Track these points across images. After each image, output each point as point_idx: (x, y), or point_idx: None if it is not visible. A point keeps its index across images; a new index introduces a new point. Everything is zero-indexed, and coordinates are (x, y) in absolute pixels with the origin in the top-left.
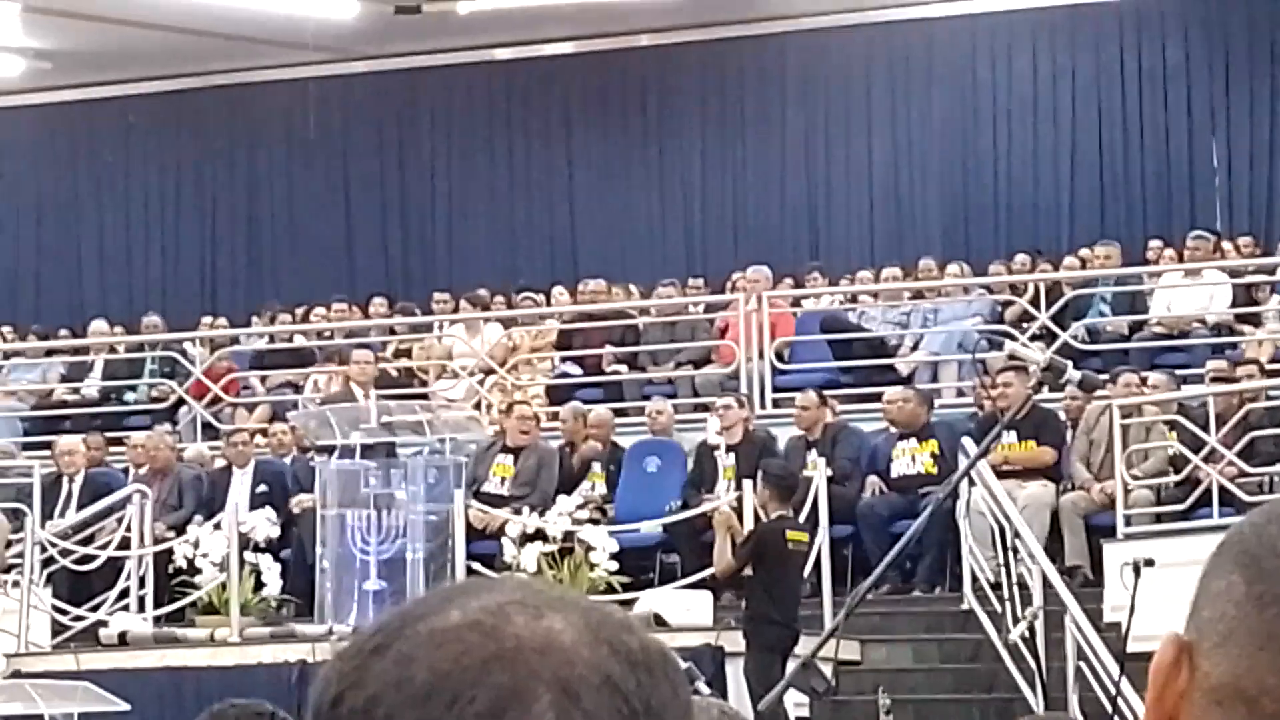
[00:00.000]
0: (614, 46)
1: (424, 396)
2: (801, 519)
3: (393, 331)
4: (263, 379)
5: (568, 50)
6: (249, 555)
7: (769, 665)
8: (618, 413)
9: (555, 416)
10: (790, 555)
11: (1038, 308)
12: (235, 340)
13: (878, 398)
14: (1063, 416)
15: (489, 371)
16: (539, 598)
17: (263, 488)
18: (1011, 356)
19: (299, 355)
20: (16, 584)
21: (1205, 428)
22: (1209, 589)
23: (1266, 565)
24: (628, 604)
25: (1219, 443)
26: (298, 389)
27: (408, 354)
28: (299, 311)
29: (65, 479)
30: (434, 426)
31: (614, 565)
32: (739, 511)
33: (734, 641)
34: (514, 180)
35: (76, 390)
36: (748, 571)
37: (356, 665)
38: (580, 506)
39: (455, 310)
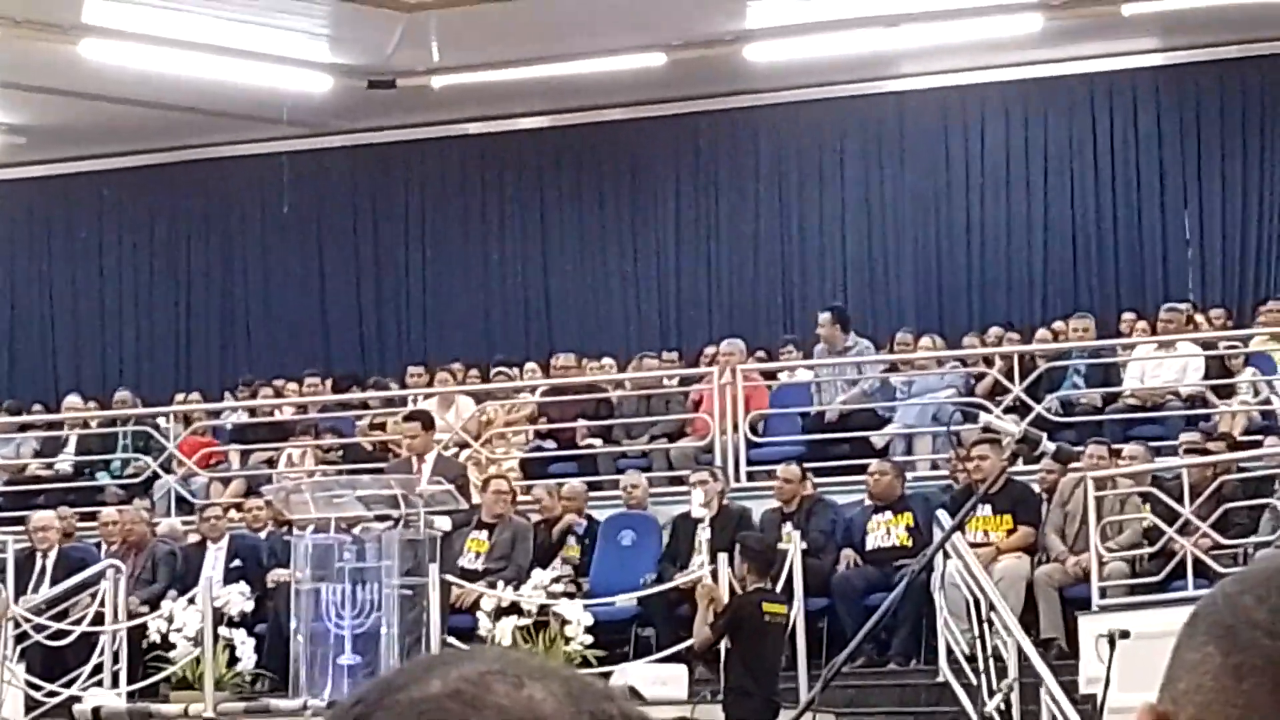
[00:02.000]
0: (587, 120)
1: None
2: (777, 590)
3: (366, 406)
4: (243, 454)
5: (541, 124)
6: (223, 630)
7: None
8: (592, 486)
9: (530, 490)
10: (767, 627)
11: (1011, 380)
12: (211, 414)
13: (851, 470)
14: (1037, 489)
15: (463, 445)
16: (519, 667)
17: (237, 562)
18: (986, 429)
19: (275, 430)
20: None
21: (1180, 500)
22: (1184, 660)
23: (1242, 636)
24: (603, 677)
25: (1193, 515)
26: (272, 464)
27: (382, 427)
28: (276, 384)
29: (39, 554)
30: (409, 501)
31: (589, 639)
32: (715, 584)
33: (709, 715)
34: (488, 254)
35: (50, 465)
36: (725, 644)
37: None
38: (555, 580)
39: (430, 384)
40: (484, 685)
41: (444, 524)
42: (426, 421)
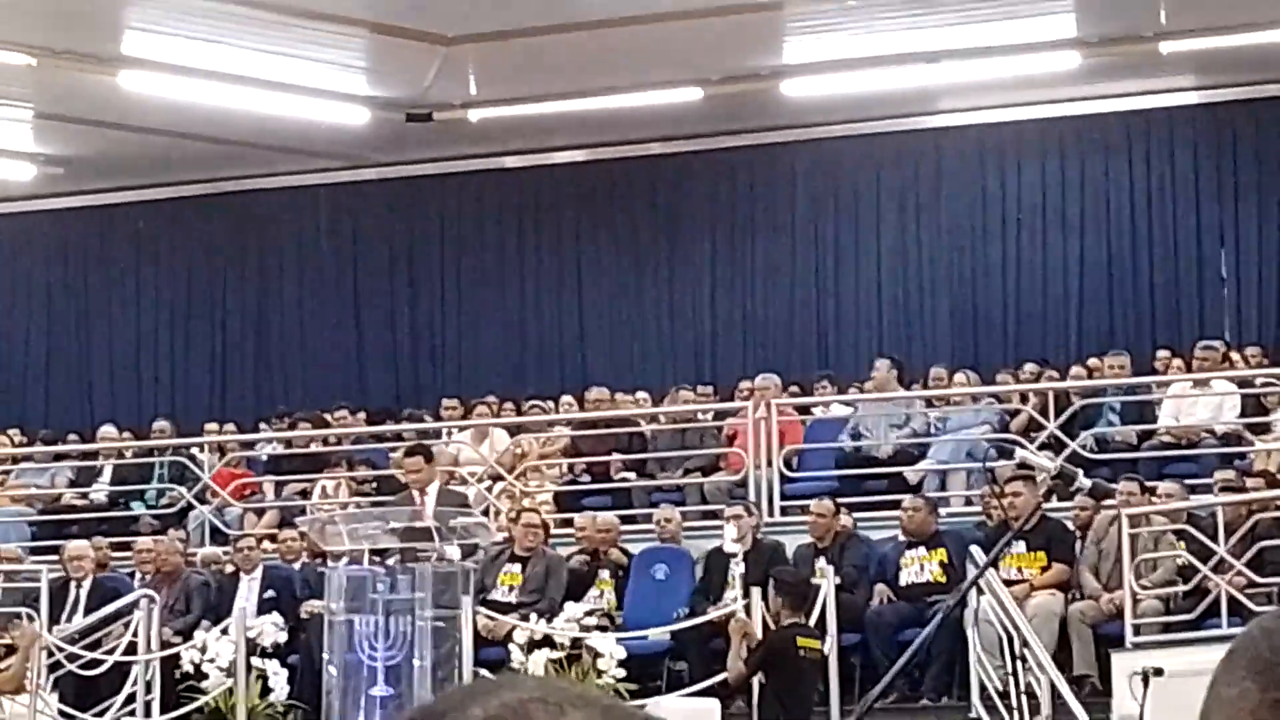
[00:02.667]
0: (624, 155)
1: None
2: (811, 625)
3: (401, 438)
4: (278, 485)
5: (578, 158)
6: (256, 660)
7: None
8: (625, 520)
9: (565, 524)
10: (802, 662)
11: (1046, 417)
12: (247, 445)
13: (884, 505)
14: (1071, 526)
15: (497, 478)
16: (560, 694)
17: (270, 593)
18: (1022, 465)
19: (309, 461)
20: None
21: (1214, 537)
22: (1220, 695)
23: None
24: (650, 713)
25: (1228, 553)
26: (306, 495)
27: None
28: (312, 416)
29: (73, 584)
30: (445, 534)
31: (621, 672)
32: (748, 618)
33: None
34: (524, 287)
35: (85, 495)
36: (760, 679)
37: None
38: (588, 613)
39: (464, 417)
40: (525, 713)
41: (454, 553)
42: (427, 455)
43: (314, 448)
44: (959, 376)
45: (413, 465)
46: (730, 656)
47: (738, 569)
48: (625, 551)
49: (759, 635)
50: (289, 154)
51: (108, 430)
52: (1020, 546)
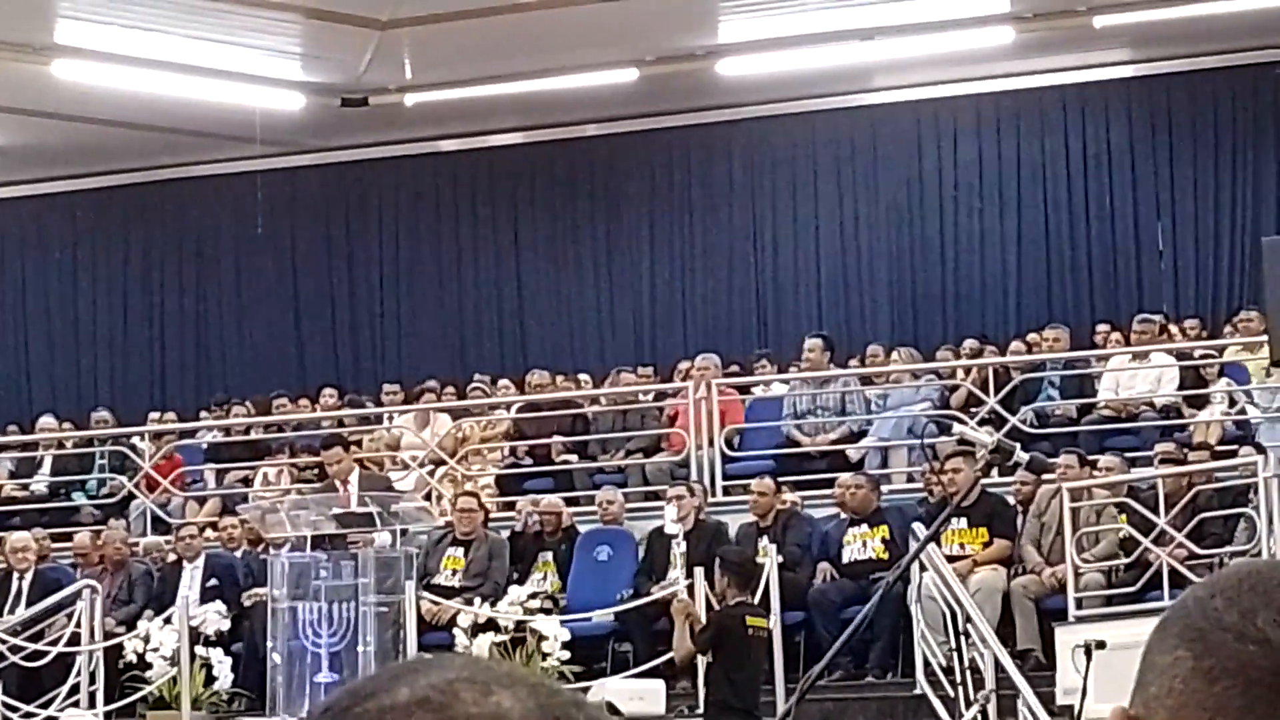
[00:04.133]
0: (560, 136)
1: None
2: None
3: (342, 424)
4: (218, 473)
5: (515, 140)
6: (200, 649)
7: None
8: (568, 501)
9: (508, 506)
10: (751, 641)
11: (986, 392)
12: (186, 434)
13: (827, 484)
14: (1013, 501)
15: (439, 463)
16: (487, 674)
17: (213, 581)
18: (960, 440)
19: (250, 449)
20: None
21: (1155, 510)
22: (1155, 664)
23: (1213, 639)
24: (581, 693)
25: (1168, 525)
26: (248, 482)
27: (358, 445)
28: (252, 403)
29: (14, 575)
30: (385, 518)
31: (566, 654)
32: (691, 598)
33: None
34: (462, 271)
35: (25, 486)
36: (707, 658)
37: None
38: (532, 596)
39: (405, 402)
40: (452, 693)
41: (383, 539)
42: (344, 445)
43: (254, 435)
44: (898, 353)
45: (332, 456)
46: (676, 637)
47: (680, 549)
48: (574, 529)
49: (702, 616)
50: (224, 141)
51: (47, 421)
52: (962, 522)
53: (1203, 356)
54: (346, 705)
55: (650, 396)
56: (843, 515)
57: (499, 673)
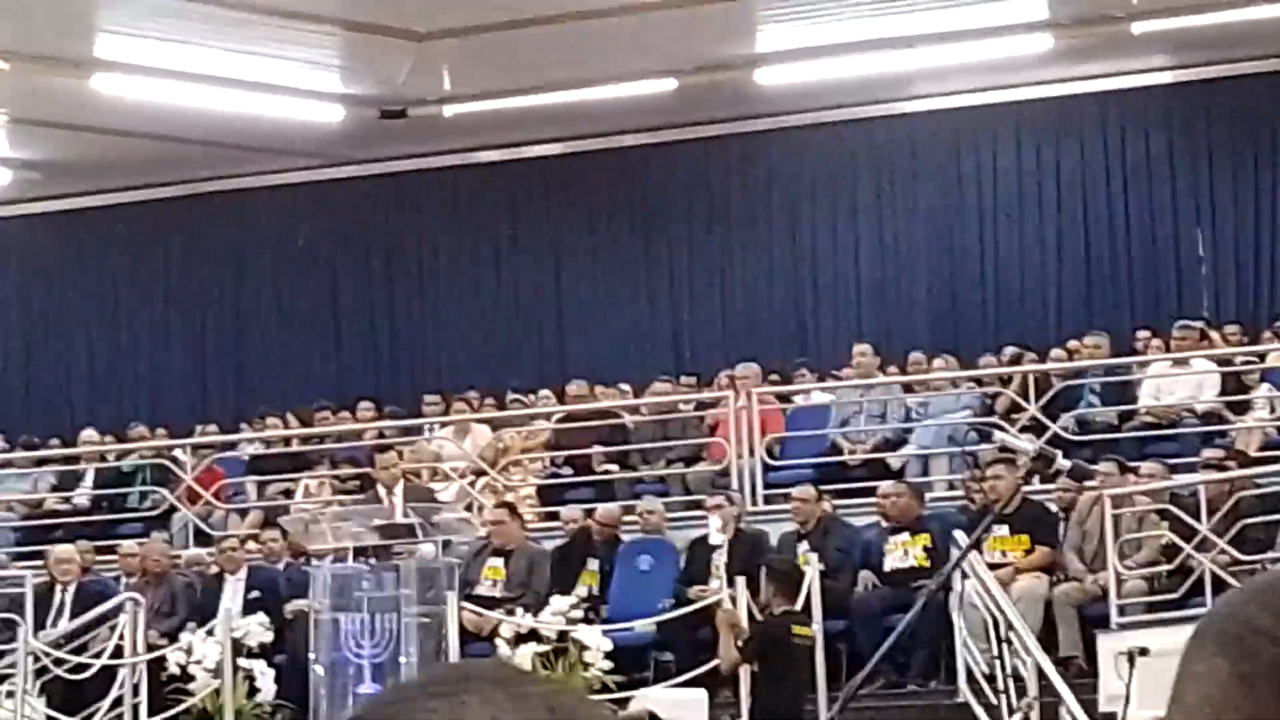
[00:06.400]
0: (600, 147)
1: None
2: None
3: (382, 435)
4: (259, 485)
5: (554, 151)
6: (243, 661)
7: None
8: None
9: (549, 516)
10: (796, 650)
11: (1027, 400)
12: (228, 446)
13: (868, 492)
14: (1054, 508)
15: (480, 473)
16: (453, 684)
17: (255, 593)
18: (1002, 448)
19: (291, 461)
20: (10, 694)
21: (1197, 516)
22: (1192, 672)
23: (1249, 644)
24: (622, 703)
25: (1210, 531)
26: (289, 494)
27: (399, 456)
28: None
29: (58, 588)
30: (427, 530)
31: (608, 664)
32: (732, 607)
33: None
34: (502, 281)
35: (67, 499)
36: (753, 668)
37: None
38: (574, 606)
39: (446, 412)
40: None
41: (426, 550)
42: (399, 453)
43: (295, 446)
44: (939, 361)
45: (388, 461)
46: (721, 648)
47: (721, 558)
48: (619, 539)
49: (746, 625)
50: (264, 153)
51: (89, 434)
52: (1003, 530)
53: (1244, 363)
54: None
55: (691, 406)
56: (884, 523)
57: (504, 707)
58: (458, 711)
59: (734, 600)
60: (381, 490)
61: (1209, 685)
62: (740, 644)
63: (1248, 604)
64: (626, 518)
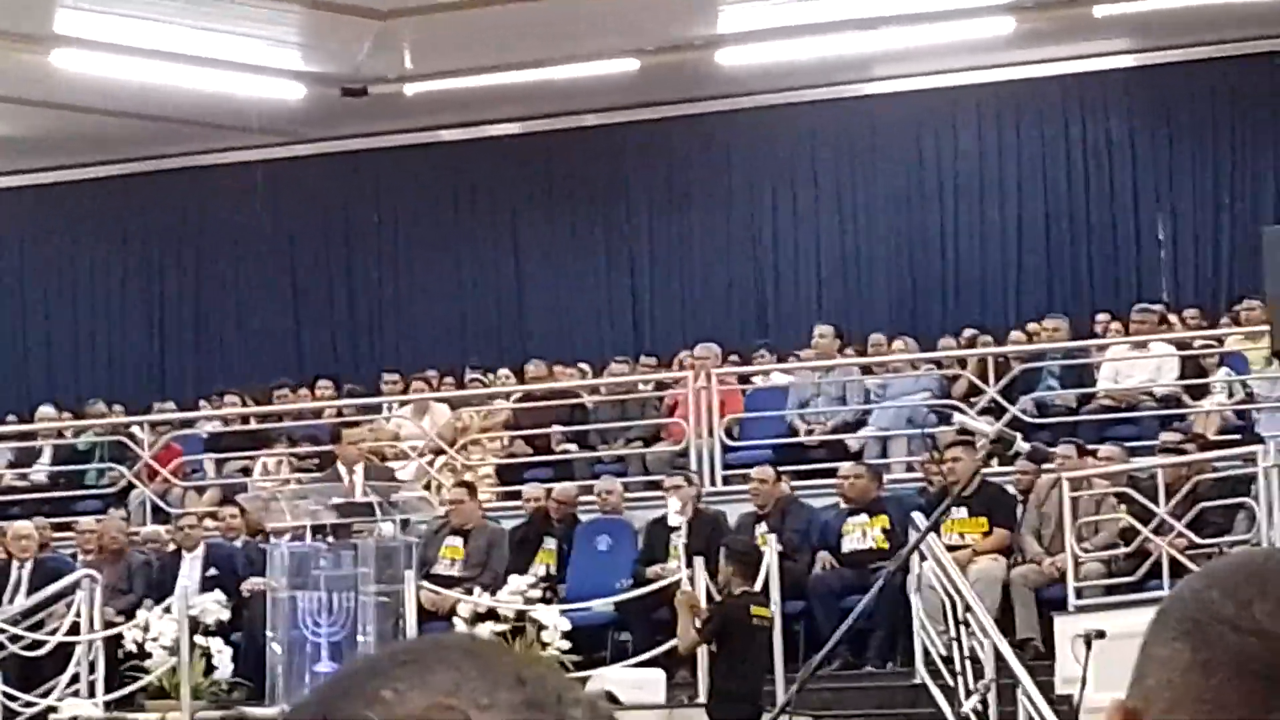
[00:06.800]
0: (560, 126)
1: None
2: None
3: (340, 414)
4: (217, 463)
5: (514, 131)
6: (200, 639)
7: None
8: None
9: (508, 496)
10: (754, 631)
11: (986, 382)
12: (185, 424)
13: (827, 474)
14: (1013, 491)
15: (439, 452)
16: (465, 694)
17: (213, 571)
18: (961, 430)
19: (249, 438)
20: None
21: (1155, 500)
22: (1152, 656)
23: (1210, 632)
24: (580, 682)
25: (1168, 514)
26: (247, 472)
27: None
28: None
29: (14, 564)
30: (385, 508)
31: (566, 644)
32: (692, 586)
33: (688, 719)
34: (461, 260)
35: (25, 476)
36: (711, 648)
37: None
38: (532, 585)
39: (404, 391)
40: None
41: (389, 529)
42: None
43: (254, 425)
44: (898, 343)
45: (357, 436)
46: (680, 628)
47: (680, 539)
48: (576, 519)
49: (704, 606)
50: (224, 130)
51: (46, 410)
52: (962, 512)
53: (1202, 346)
54: (336, 699)
55: (650, 386)
56: (842, 505)
57: (475, 682)
58: (424, 678)
59: (692, 581)
60: (342, 468)
61: (1169, 670)
62: (698, 625)
63: (1210, 589)
64: (585, 498)
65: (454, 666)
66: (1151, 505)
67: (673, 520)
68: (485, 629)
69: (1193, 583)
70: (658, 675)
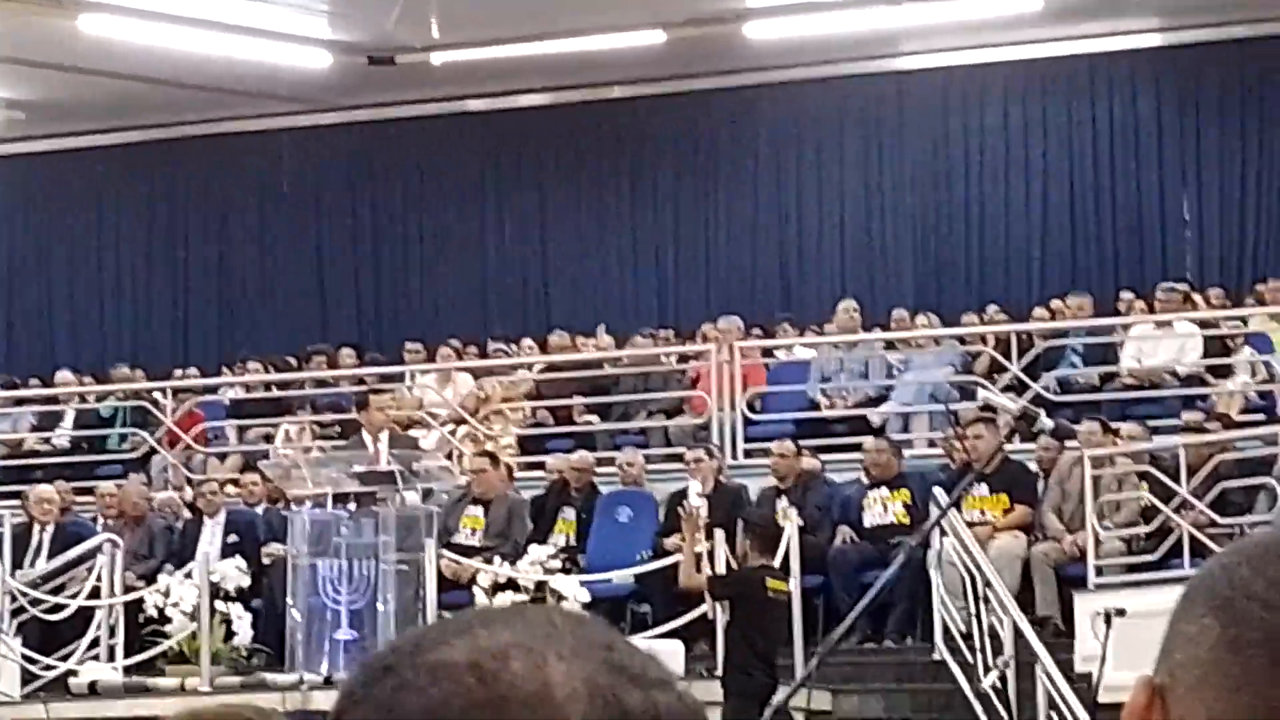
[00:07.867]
0: (587, 98)
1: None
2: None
3: (363, 381)
4: (239, 430)
5: (541, 102)
6: (220, 605)
7: (748, 714)
8: None
9: (531, 466)
10: (770, 603)
11: (1009, 359)
12: (208, 390)
13: (849, 448)
14: (1034, 467)
15: (460, 422)
16: (547, 639)
17: (233, 537)
18: (986, 406)
19: (272, 405)
20: None
21: (1176, 478)
22: (1180, 632)
23: (1240, 608)
24: (650, 658)
25: (1190, 493)
26: (269, 439)
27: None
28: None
29: (36, 528)
30: (407, 477)
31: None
32: (711, 559)
33: (707, 692)
34: (487, 231)
35: (47, 440)
36: (725, 618)
37: (363, 683)
38: (552, 556)
39: (428, 360)
40: (504, 658)
41: (413, 498)
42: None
43: (276, 392)
44: (921, 318)
45: (384, 403)
46: (684, 551)
47: (701, 512)
48: (595, 489)
49: (703, 529)
50: (250, 98)
51: (65, 375)
52: (983, 488)
53: (1227, 326)
54: (408, 652)
55: (673, 359)
56: (863, 479)
57: (565, 641)
58: (515, 625)
59: (711, 554)
60: (367, 436)
61: (1197, 646)
62: (712, 579)
63: (1240, 566)
64: (607, 469)
65: (548, 621)
66: (1173, 484)
67: (694, 499)
68: (504, 599)
69: (1222, 559)
70: (676, 647)
